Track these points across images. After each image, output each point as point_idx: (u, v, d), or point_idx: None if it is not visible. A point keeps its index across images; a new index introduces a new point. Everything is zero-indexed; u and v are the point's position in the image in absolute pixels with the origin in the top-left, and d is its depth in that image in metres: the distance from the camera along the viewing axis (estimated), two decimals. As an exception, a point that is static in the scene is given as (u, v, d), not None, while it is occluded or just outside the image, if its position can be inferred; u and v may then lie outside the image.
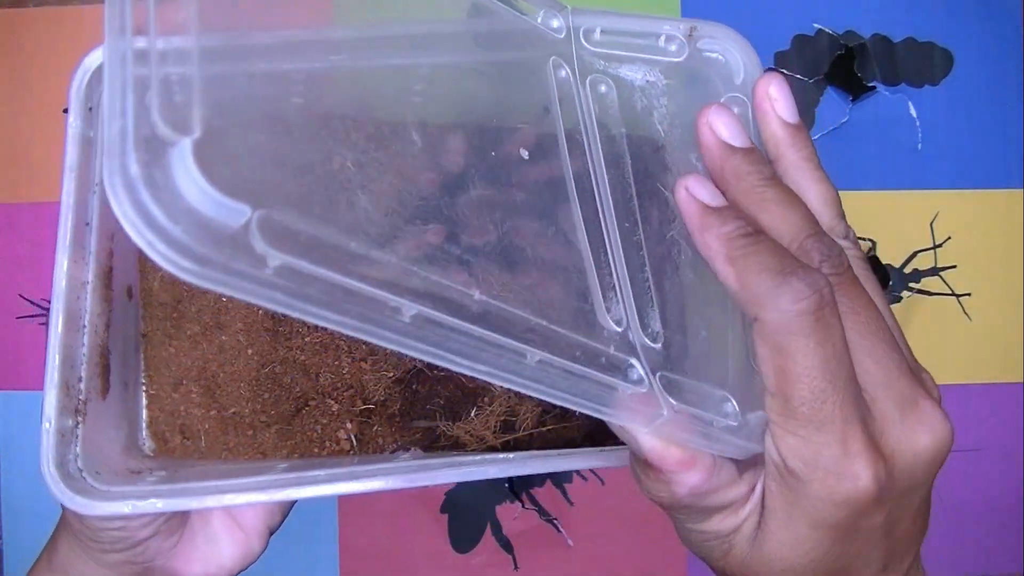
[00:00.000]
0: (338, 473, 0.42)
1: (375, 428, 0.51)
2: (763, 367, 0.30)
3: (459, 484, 0.66)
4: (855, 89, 0.68)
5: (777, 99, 0.35)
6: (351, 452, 0.50)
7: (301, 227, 0.24)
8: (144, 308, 0.49)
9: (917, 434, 0.31)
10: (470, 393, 0.51)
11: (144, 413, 0.49)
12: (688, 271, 0.36)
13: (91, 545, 0.43)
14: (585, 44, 0.42)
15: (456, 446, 0.51)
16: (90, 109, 0.42)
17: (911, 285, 0.68)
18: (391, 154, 0.36)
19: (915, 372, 0.32)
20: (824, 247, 0.31)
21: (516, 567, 0.66)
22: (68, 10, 0.66)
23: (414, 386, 0.52)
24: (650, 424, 0.30)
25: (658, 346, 0.33)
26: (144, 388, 0.49)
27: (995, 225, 0.68)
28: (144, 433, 0.49)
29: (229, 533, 0.47)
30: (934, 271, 0.68)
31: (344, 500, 0.65)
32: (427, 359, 0.27)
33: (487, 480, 0.66)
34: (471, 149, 0.37)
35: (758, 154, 0.34)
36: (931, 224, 0.68)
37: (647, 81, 0.43)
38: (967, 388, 0.67)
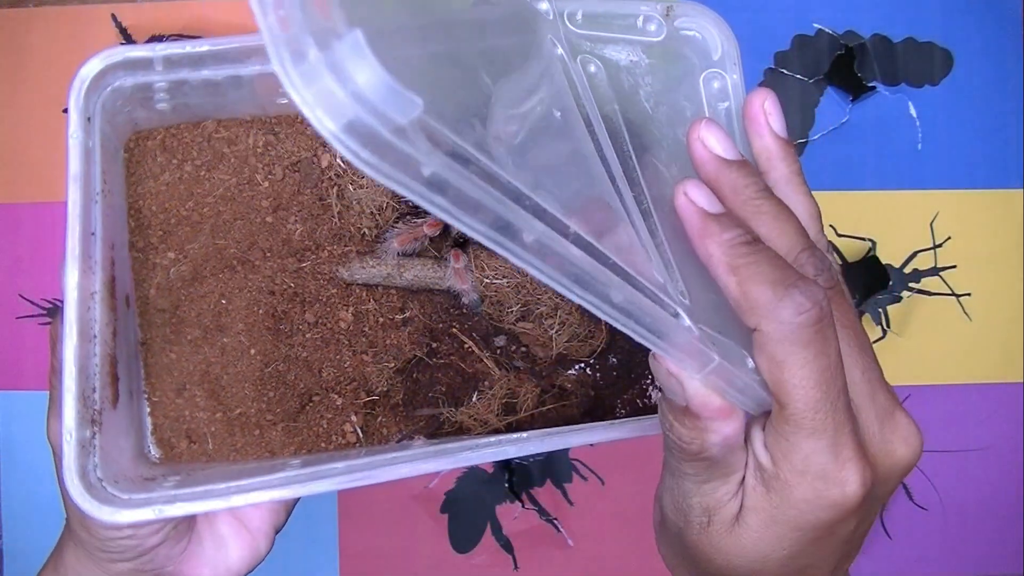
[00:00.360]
0: (357, 464, 0.42)
1: (379, 419, 0.52)
2: (761, 374, 0.31)
3: (459, 484, 0.66)
4: (855, 89, 0.68)
5: (772, 113, 0.37)
6: (357, 444, 0.51)
7: (449, 134, 0.25)
8: (141, 316, 0.49)
9: (894, 444, 0.32)
10: (470, 378, 0.52)
11: (148, 420, 0.49)
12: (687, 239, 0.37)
13: (99, 555, 0.43)
14: (570, 27, 0.43)
15: (460, 431, 0.51)
16: (88, 119, 0.42)
17: (911, 285, 0.68)
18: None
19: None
20: (818, 261, 0.33)
21: (516, 567, 0.66)
22: (68, 10, 0.66)
23: (415, 375, 0.52)
24: (702, 370, 0.31)
25: (688, 302, 0.34)
26: (146, 395, 0.49)
27: (995, 225, 0.68)
28: (149, 440, 0.49)
29: (236, 535, 0.47)
30: (934, 271, 0.68)
31: (344, 500, 0.65)
32: (544, 279, 0.28)
33: (486, 481, 0.66)
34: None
35: (751, 167, 0.36)
36: (931, 224, 0.68)
37: (631, 61, 0.44)
38: (967, 388, 0.67)
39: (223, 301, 0.49)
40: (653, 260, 0.34)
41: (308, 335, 0.50)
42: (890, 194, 0.68)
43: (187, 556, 0.45)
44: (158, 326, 0.49)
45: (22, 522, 0.65)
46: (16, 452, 0.65)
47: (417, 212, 0.51)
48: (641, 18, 0.44)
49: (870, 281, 0.67)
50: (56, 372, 0.41)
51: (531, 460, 0.66)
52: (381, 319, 0.51)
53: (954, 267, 0.68)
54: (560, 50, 0.41)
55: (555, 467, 0.66)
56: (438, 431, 0.52)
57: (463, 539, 0.66)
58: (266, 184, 0.50)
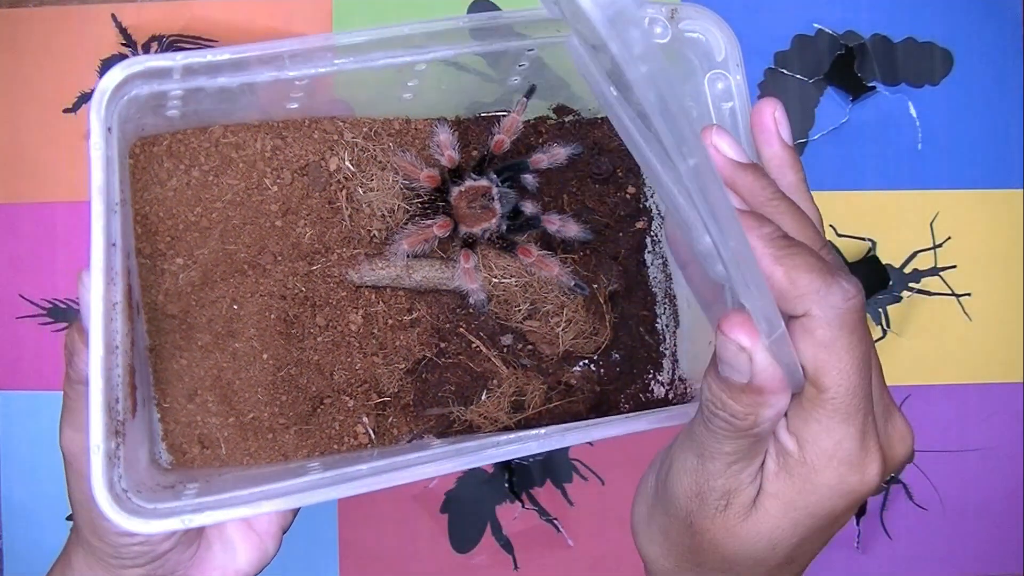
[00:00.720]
0: (380, 466, 0.43)
1: (390, 420, 0.52)
2: (803, 359, 0.32)
3: (459, 484, 0.66)
4: (855, 89, 0.68)
5: (781, 122, 0.39)
6: (369, 445, 0.51)
7: None
8: (149, 322, 0.49)
9: (894, 441, 0.34)
10: (479, 377, 0.52)
11: (158, 427, 0.49)
12: None
13: (111, 561, 0.43)
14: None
15: (470, 430, 0.52)
16: (109, 129, 0.42)
17: (911, 285, 0.68)
18: None
19: None
20: (836, 258, 0.34)
21: (516, 567, 0.66)
22: (68, 10, 0.66)
23: (424, 375, 0.52)
24: (771, 335, 0.31)
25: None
26: (156, 402, 0.49)
27: (995, 225, 0.68)
28: (160, 447, 0.49)
29: (244, 538, 0.47)
30: (934, 271, 0.68)
31: (344, 500, 0.65)
32: (696, 207, 0.29)
33: (486, 481, 0.66)
34: None
35: (763, 169, 0.37)
36: (931, 224, 0.68)
37: None
38: (967, 388, 0.68)
39: (235, 306, 0.49)
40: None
41: (319, 338, 0.50)
42: (890, 194, 0.68)
43: (197, 560, 0.45)
44: (167, 332, 0.49)
45: (22, 522, 0.65)
46: (16, 452, 0.65)
47: (426, 213, 0.51)
48: (647, 20, 0.45)
49: (870, 281, 0.67)
50: (73, 382, 0.41)
51: (531, 460, 0.66)
52: (390, 320, 0.52)
53: (954, 267, 0.68)
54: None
55: (555, 467, 0.66)
56: (448, 430, 0.52)
57: (463, 539, 0.66)
58: (275, 188, 0.50)
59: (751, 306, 0.31)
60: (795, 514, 0.33)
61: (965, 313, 0.68)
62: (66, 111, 0.66)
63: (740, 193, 0.36)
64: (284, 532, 0.49)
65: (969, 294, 0.68)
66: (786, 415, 0.33)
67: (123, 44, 0.66)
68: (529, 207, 0.51)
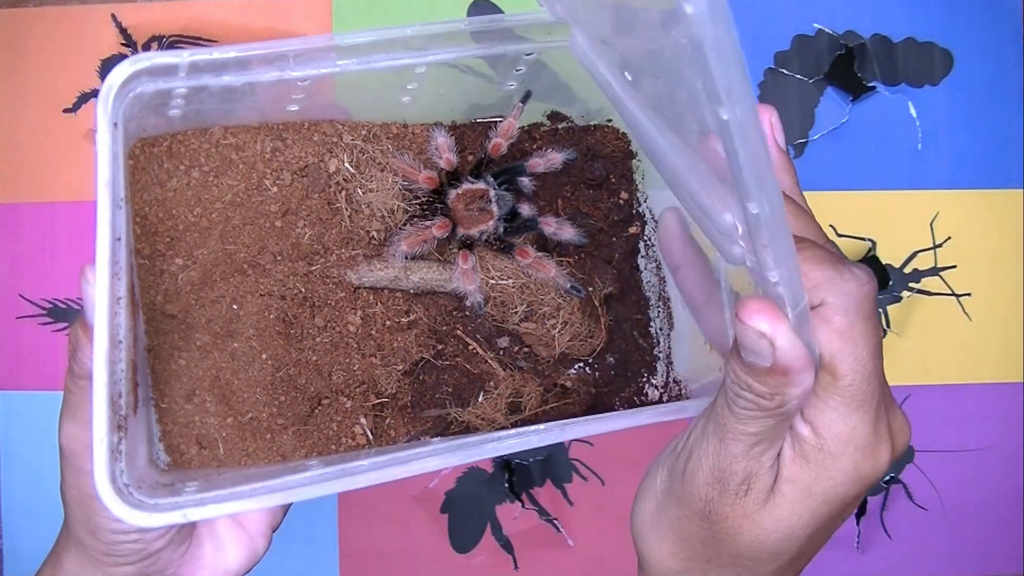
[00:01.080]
0: (383, 460, 0.43)
1: (388, 421, 0.52)
2: (818, 347, 0.32)
3: (459, 484, 0.66)
4: (855, 89, 0.68)
5: (776, 127, 0.39)
6: (367, 446, 0.51)
7: None
8: (148, 322, 0.49)
9: (894, 432, 0.34)
10: (476, 379, 0.52)
11: (156, 427, 0.49)
12: None
13: (103, 559, 0.43)
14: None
15: (467, 431, 0.52)
16: (115, 125, 0.42)
17: (911, 285, 0.68)
18: None
19: None
20: (839, 253, 0.34)
21: (516, 567, 0.66)
22: (68, 10, 0.66)
23: (422, 376, 0.52)
24: (796, 307, 0.31)
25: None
26: (154, 402, 0.49)
27: (995, 225, 0.68)
28: (157, 446, 0.49)
29: (234, 537, 0.47)
30: (934, 271, 0.68)
31: (344, 500, 0.65)
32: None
33: (486, 481, 0.66)
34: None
35: (784, 161, 0.38)
36: (931, 224, 0.68)
37: None
38: (967, 388, 0.68)
39: (234, 306, 0.49)
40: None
41: (318, 339, 0.50)
42: (890, 194, 0.68)
43: (188, 558, 0.46)
44: (166, 332, 0.49)
45: (22, 522, 0.65)
46: (16, 452, 0.65)
47: (425, 215, 0.51)
48: None
49: (870, 281, 0.67)
50: (76, 377, 0.41)
51: (531, 460, 0.66)
52: (388, 322, 0.52)
53: (954, 267, 0.68)
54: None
55: (555, 467, 0.66)
56: (446, 431, 0.52)
57: (463, 539, 0.66)
58: (275, 189, 0.50)
59: (779, 275, 0.31)
60: (811, 500, 0.33)
61: (965, 313, 0.68)
62: (66, 111, 0.66)
63: None
64: (274, 531, 0.49)
65: (969, 294, 0.68)
66: (813, 404, 0.33)
67: (123, 44, 0.66)
68: (526, 209, 0.51)
